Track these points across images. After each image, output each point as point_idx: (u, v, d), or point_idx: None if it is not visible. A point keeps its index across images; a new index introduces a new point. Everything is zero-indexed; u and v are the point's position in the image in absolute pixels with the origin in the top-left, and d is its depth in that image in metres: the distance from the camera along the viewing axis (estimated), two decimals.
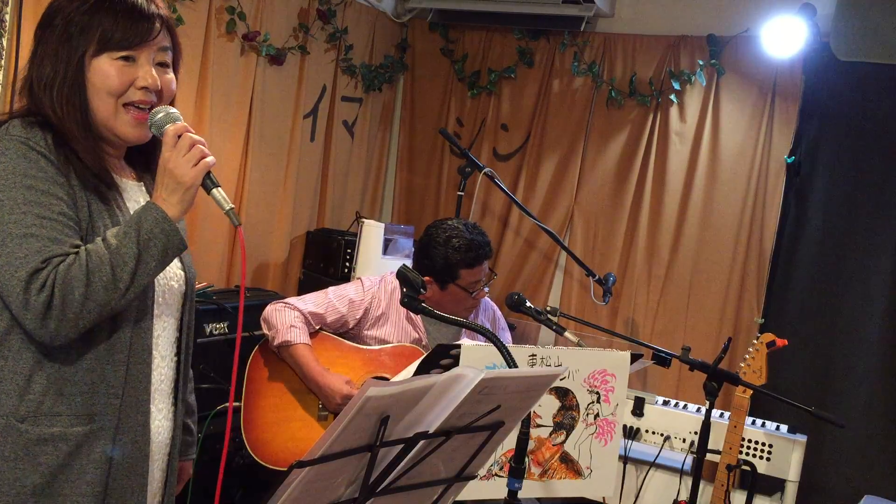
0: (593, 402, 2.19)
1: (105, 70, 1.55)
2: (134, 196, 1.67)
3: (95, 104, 1.56)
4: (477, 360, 2.01)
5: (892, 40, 3.41)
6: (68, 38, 1.54)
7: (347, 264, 3.96)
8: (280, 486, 1.16)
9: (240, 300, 1.77)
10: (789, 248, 3.97)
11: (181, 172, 1.51)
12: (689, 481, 3.09)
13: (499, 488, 2.05)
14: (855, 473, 3.74)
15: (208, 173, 1.55)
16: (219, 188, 1.55)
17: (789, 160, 3.92)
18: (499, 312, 3.15)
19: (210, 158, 1.54)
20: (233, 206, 1.55)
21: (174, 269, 1.70)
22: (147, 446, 1.64)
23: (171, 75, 1.64)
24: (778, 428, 3.33)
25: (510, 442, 1.85)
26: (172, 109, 1.58)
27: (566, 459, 2.19)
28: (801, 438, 3.22)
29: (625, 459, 3.48)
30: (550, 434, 2.16)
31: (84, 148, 1.56)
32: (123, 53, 1.55)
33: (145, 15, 1.57)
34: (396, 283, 2.79)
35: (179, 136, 1.53)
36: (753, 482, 3.15)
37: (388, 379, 2.70)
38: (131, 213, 1.59)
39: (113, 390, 1.57)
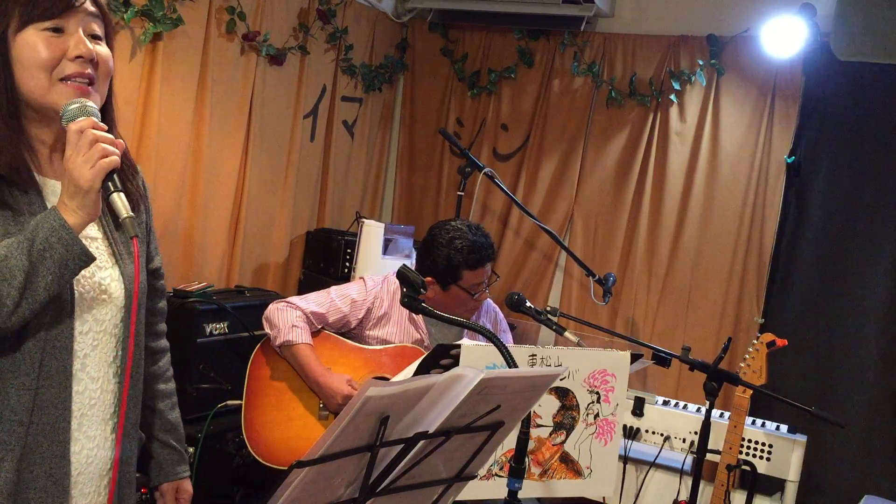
0: (593, 402, 2.19)
1: (31, 43, 1.40)
2: None
3: (26, 83, 1.42)
4: (477, 360, 2.02)
5: (892, 40, 3.41)
6: None
7: (347, 264, 3.96)
8: (280, 486, 1.16)
9: (131, 319, 1.53)
10: (789, 248, 3.97)
11: (78, 174, 1.35)
12: (689, 481, 3.09)
13: (499, 488, 2.05)
14: (855, 473, 3.74)
15: (111, 174, 1.38)
16: (120, 193, 1.38)
17: (789, 160, 3.92)
18: (501, 314, 3.15)
19: (110, 159, 1.37)
20: (131, 215, 1.39)
21: (106, 281, 1.52)
22: (67, 479, 1.47)
23: (106, 49, 1.49)
24: (778, 428, 3.33)
25: (510, 442, 1.85)
26: (90, 103, 1.41)
27: (566, 459, 2.19)
28: (801, 438, 3.22)
29: (625, 459, 3.48)
30: (550, 434, 2.16)
31: None
32: (50, 24, 1.41)
33: None
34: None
35: (83, 132, 1.36)
36: (753, 482, 3.15)
37: (388, 379, 2.70)
38: None
39: (17, 416, 1.41)
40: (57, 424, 1.45)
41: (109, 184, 1.38)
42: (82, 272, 1.44)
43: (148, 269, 1.69)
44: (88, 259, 1.39)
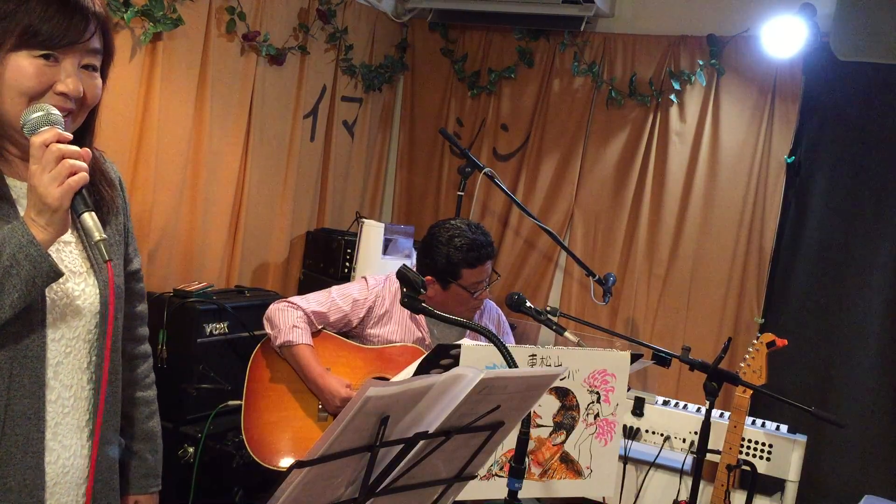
0: (593, 402, 2.19)
1: (22, 67, 1.35)
2: None
3: (5, 103, 1.37)
4: (477, 360, 2.02)
5: (892, 40, 3.41)
6: None
7: (347, 264, 3.96)
8: (280, 486, 1.16)
9: (106, 337, 1.47)
10: (789, 248, 3.97)
11: (44, 192, 1.29)
12: (689, 481, 3.09)
13: (499, 488, 2.05)
14: (855, 473, 3.74)
15: (81, 192, 1.32)
16: (91, 212, 1.32)
17: (789, 160, 3.92)
18: (503, 316, 3.15)
19: (79, 176, 1.31)
20: (104, 237, 1.33)
21: (80, 287, 1.47)
22: (41, 491, 1.43)
23: (96, 80, 1.44)
24: (778, 428, 3.33)
25: (510, 442, 1.85)
26: (54, 110, 1.35)
27: (566, 459, 2.19)
28: (801, 438, 3.22)
29: (625, 459, 3.48)
30: (550, 434, 2.16)
31: None
32: (46, 52, 1.36)
33: (80, 12, 1.38)
34: None
35: (48, 147, 1.30)
36: (753, 482, 3.15)
37: (388, 379, 2.70)
38: None
39: None
40: (30, 435, 1.41)
41: (79, 203, 1.32)
42: None
43: (126, 272, 1.64)
44: (57, 275, 1.34)
